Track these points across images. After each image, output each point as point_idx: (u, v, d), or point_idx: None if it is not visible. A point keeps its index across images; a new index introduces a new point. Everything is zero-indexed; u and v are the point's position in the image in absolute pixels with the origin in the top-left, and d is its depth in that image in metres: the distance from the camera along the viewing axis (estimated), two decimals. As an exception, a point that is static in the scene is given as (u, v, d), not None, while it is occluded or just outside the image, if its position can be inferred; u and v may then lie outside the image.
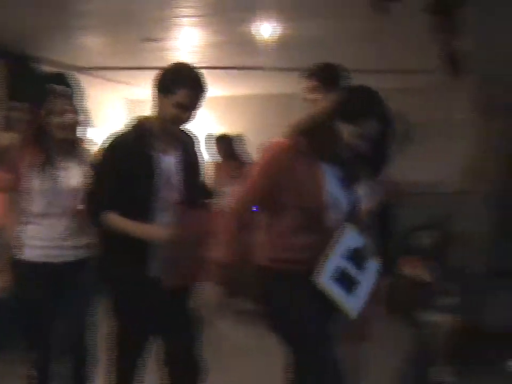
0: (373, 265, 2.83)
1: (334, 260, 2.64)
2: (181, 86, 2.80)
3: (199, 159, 3.20)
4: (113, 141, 2.96)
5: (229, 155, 6.73)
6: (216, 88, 8.27)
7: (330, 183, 2.66)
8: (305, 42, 5.88)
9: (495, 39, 4.03)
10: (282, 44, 6.01)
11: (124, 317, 3.03)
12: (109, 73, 7.87)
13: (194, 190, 3.09)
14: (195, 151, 3.17)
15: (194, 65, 2.91)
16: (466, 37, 4.18)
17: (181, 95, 2.81)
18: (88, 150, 3.38)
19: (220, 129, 8.07)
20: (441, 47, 4.98)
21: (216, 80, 7.62)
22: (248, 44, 6.05)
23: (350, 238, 2.71)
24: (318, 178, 2.63)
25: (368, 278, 2.80)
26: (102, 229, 3.00)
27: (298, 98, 3.57)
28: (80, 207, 3.16)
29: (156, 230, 2.88)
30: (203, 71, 2.89)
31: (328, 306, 2.66)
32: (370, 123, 2.58)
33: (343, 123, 2.58)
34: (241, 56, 6.76)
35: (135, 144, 2.90)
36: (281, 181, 2.62)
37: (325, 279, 2.62)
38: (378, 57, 6.35)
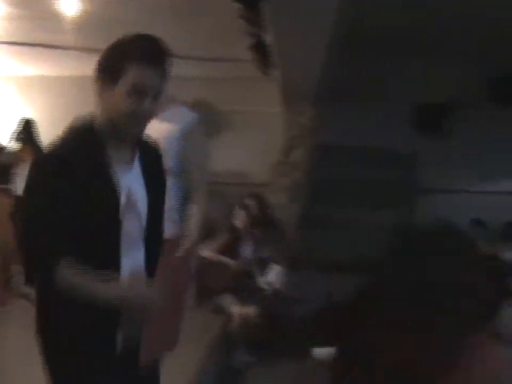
0: None
1: None
2: (132, 60, 2.07)
3: (164, 173, 2.46)
4: (50, 153, 2.16)
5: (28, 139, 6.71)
6: (17, 66, 8.12)
7: None
8: (112, 21, 5.90)
9: (300, 32, 4.37)
10: (88, 22, 6.03)
11: None
12: None
13: (161, 218, 2.42)
14: (158, 162, 2.44)
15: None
16: (272, 30, 4.52)
17: (134, 74, 2.07)
18: None
19: (19, 111, 7.95)
20: (250, 38, 5.37)
21: (18, 57, 7.51)
22: (51, 19, 6.00)
23: None
24: None
25: None
26: (45, 288, 2.16)
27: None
28: None
29: (138, 290, 2.11)
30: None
31: None
32: None
33: None
34: (43, 33, 6.68)
35: (83, 153, 2.12)
36: None
37: None
38: (189, 43, 6.55)
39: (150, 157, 2.33)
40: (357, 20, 5.06)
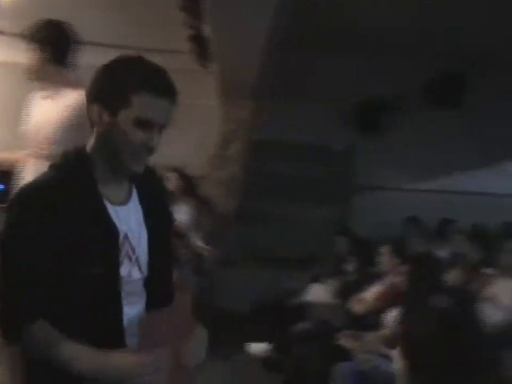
0: None
1: None
2: (140, 89, 1.82)
3: (168, 208, 2.19)
4: (33, 190, 1.87)
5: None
6: None
7: None
8: (45, 9, 5.79)
9: (239, 25, 4.39)
10: (21, 8, 5.92)
11: None
12: None
13: (167, 263, 2.10)
14: (162, 196, 2.16)
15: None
16: (211, 22, 4.53)
17: (141, 105, 1.83)
18: None
19: None
20: (189, 29, 5.36)
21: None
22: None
23: None
24: None
25: None
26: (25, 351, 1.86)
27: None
28: None
29: (128, 360, 1.75)
30: None
31: None
32: None
33: None
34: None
35: (72, 191, 1.84)
36: None
37: None
38: (127, 34, 6.49)
39: (151, 192, 2.05)
40: (298, 16, 5.10)
